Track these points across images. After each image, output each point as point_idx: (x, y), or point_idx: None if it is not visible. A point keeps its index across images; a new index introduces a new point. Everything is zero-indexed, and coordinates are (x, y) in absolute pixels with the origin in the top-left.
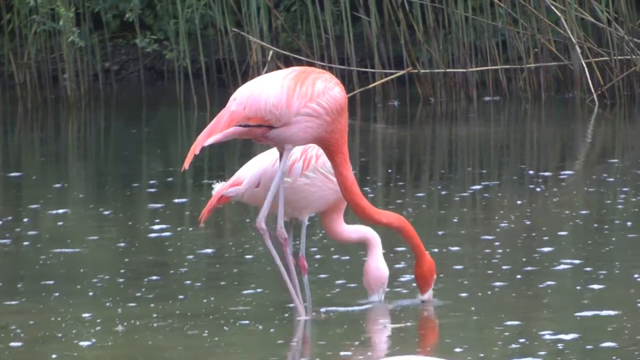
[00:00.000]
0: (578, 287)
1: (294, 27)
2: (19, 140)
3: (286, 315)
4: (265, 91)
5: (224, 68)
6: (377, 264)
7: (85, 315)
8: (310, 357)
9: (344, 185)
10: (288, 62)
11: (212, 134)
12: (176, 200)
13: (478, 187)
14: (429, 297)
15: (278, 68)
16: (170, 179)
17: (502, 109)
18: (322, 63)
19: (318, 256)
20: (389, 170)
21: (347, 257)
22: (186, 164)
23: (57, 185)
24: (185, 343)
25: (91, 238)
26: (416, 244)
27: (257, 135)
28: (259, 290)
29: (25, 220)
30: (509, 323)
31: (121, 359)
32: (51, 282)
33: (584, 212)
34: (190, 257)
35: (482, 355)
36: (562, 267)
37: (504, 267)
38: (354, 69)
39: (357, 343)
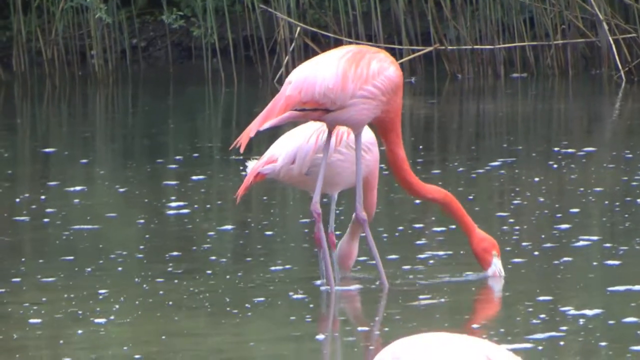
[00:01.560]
0: (597, 264)
1: (321, 4)
2: (47, 116)
3: (312, 291)
4: (320, 75)
5: (251, 45)
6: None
7: (108, 291)
8: (332, 333)
9: (394, 162)
10: (315, 39)
11: (268, 119)
12: (194, 178)
13: (496, 163)
14: (494, 273)
15: (305, 45)
16: (195, 155)
17: (529, 86)
18: (349, 39)
19: (337, 233)
20: (411, 146)
21: (362, 234)
22: (242, 148)
23: (83, 161)
24: (210, 319)
25: (110, 215)
26: (463, 221)
27: (314, 118)
28: (287, 266)
29: (43, 197)
30: (529, 299)
31: (146, 336)
32: (71, 258)
33: (599, 189)
34: (211, 234)
35: (502, 330)
36: (580, 243)
37: (522, 244)
38: (382, 46)
39: (377, 319)
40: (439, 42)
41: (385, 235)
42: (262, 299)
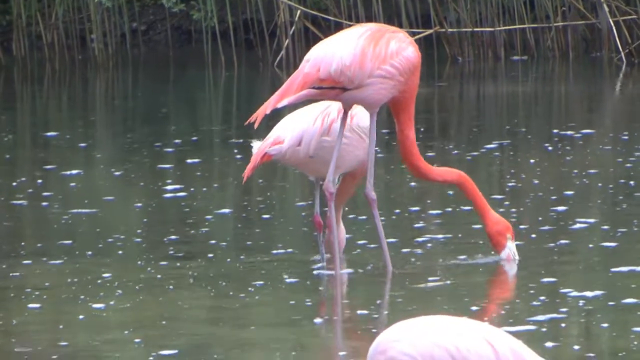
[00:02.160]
0: (594, 246)
1: None
2: (47, 100)
3: (312, 275)
4: (338, 52)
5: (252, 28)
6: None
7: (109, 275)
8: (332, 317)
9: (403, 144)
10: (316, 22)
11: (285, 96)
12: (191, 161)
13: (492, 146)
14: (507, 256)
15: (306, 28)
16: (194, 139)
17: (530, 68)
18: (349, 22)
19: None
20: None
21: (363, 217)
22: (256, 123)
23: (82, 145)
24: (211, 304)
25: (107, 199)
26: (477, 202)
27: (331, 97)
28: (288, 250)
29: (40, 181)
30: (529, 282)
31: (146, 320)
32: (70, 242)
33: (594, 171)
34: (209, 217)
35: (503, 312)
36: (578, 226)
37: (520, 226)
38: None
39: (378, 302)
40: (439, 25)
41: (383, 218)
42: (263, 282)
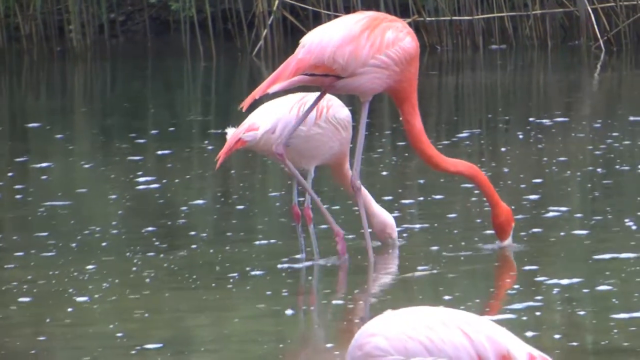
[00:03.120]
0: (566, 234)
1: None
2: (25, 92)
3: (293, 265)
4: (333, 40)
5: (230, 18)
6: (377, 211)
7: (89, 268)
8: (312, 308)
9: (411, 133)
10: (294, 12)
11: (277, 81)
12: (164, 152)
13: (464, 135)
14: (509, 244)
15: (284, 18)
16: (171, 129)
17: (508, 57)
18: (327, 12)
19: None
20: (384, 118)
21: (337, 207)
22: (245, 106)
23: (59, 136)
24: (193, 296)
25: (80, 191)
26: (489, 193)
27: (324, 84)
28: (269, 240)
29: (11, 174)
30: (503, 270)
31: (128, 313)
32: (46, 234)
33: (563, 158)
34: (184, 208)
35: (477, 301)
36: (551, 214)
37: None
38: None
39: (357, 293)
40: (418, 14)
41: (355, 208)
42: (244, 273)
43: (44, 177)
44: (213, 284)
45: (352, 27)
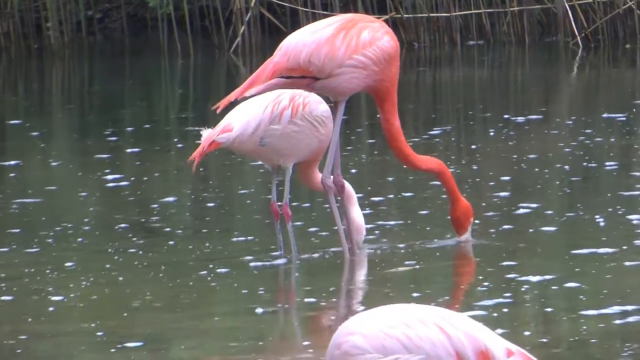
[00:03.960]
0: (536, 231)
1: None
2: (3, 89)
3: (272, 262)
4: (308, 42)
5: (207, 15)
6: (355, 216)
7: (66, 266)
8: (290, 305)
9: (389, 132)
10: (271, 9)
11: (254, 84)
12: (137, 150)
13: (435, 132)
14: (467, 239)
15: (261, 15)
16: (147, 127)
17: (486, 53)
18: (304, 9)
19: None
20: (358, 114)
21: (308, 204)
22: (220, 109)
23: (35, 134)
24: (173, 292)
25: (49, 188)
26: (452, 189)
27: (302, 86)
28: (246, 237)
29: None
30: (473, 267)
31: (106, 311)
32: (18, 230)
33: (533, 155)
34: (155, 205)
35: (447, 297)
36: (522, 211)
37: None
38: (337, 14)
39: (334, 290)
40: (395, 10)
41: (326, 205)
42: (222, 270)
43: (12, 174)
44: (191, 282)
45: (327, 29)
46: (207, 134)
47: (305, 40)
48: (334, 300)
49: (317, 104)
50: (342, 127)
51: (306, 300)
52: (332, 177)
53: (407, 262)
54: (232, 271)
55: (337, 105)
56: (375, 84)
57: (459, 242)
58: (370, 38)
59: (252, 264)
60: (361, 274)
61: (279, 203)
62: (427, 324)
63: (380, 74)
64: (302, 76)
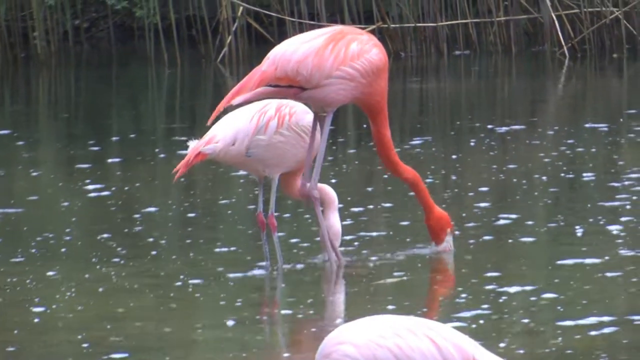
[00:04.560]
0: (514, 241)
1: None
2: None
3: (255, 273)
4: (296, 52)
5: (194, 25)
6: (334, 222)
7: (50, 276)
8: (275, 316)
9: (381, 142)
10: (258, 19)
11: (241, 92)
12: (112, 160)
13: (416, 142)
14: (444, 248)
15: (248, 24)
16: (132, 136)
17: (473, 63)
18: (291, 19)
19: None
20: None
21: (288, 215)
22: (209, 121)
23: (21, 143)
24: (157, 303)
25: (31, 198)
26: (425, 199)
27: (289, 96)
28: (229, 248)
29: None
30: (452, 278)
31: (91, 322)
32: (1, 240)
33: (513, 166)
34: (137, 215)
35: (425, 310)
36: (502, 222)
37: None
38: (324, 24)
39: (320, 300)
40: (382, 20)
41: (307, 216)
42: (207, 281)
43: None
44: (175, 292)
45: (316, 40)
46: (193, 145)
47: (293, 50)
48: (319, 311)
49: (303, 114)
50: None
51: (291, 310)
52: (308, 185)
53: (387, 274)
54: (216, 282)
55: (325, 117)
56: (363, 96)
57: (437, 251)
58: (359, 50)
59: (236, 274)
60: (343, 285)
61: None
62: (418, 334)
63: (368, 86)
64: (289, 85)
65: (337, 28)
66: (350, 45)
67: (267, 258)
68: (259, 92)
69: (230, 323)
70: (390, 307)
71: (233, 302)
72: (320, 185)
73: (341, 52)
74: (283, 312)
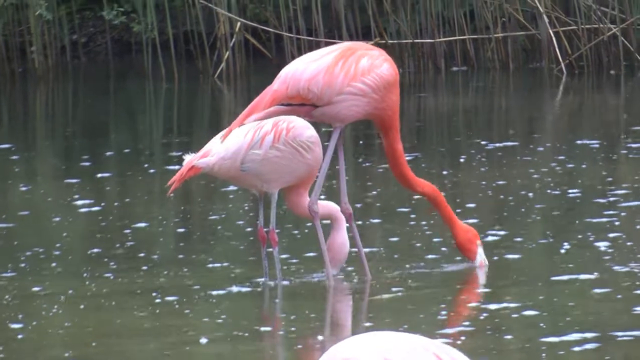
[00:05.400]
0: (499, 259)
1: None
2: None
3: (251, 288)
4: (307, 70)
5: (192, 40)
6: (343, 240)
7: (42, 291)
8: (276, 332)
9: (393, 157)
10: (256, 34)
11: (253, 112)
12: (104, 175)
13: (408, 157)
14: (480, 264)
15: (246, 40)
16: (127, 150)
17: (470, 79)
18: (289, 35)
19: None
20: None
21: (296, 231)
22: (223, 139)
23: (15, 157)
24: (152, 320)
25: (22, 213)
26: (446, 214)
27: (301, 113)
28: (224, 264)
29: None
30: (435, 296)
31: (85, 337)
32: None
33: (502, 182)
34: (127, 231)
35: (406, 326)
36: (488, 239)
37: (434, 239)
38: (322, 40)
39: (318, 316)
40: (380, 36)
41: (306, 231)
42: (201, 296)
43: None
44: (167, 308)
45: (326, 57)
46: (189, 159)
47: (304, 68)
48: (315, 326)
49: (303, 129)
50: (342, 152)
51: (288, 326)
52: (340, 205)
53: (384, 289)
54: (210, 297)
55: (333, 132)
56: (376, 111)
57: (474, 267)
58: (369, 66)
59: (230, 289)
60: (350, 300)
61: (266, 229)
62: (426, 351)
63: (380, 101)
64: (301, 104)
65: (347, 44)
66: (361, 61)
67: (266, 274)
68: (272, 111)
69: (203, 341)
70: (386, 322)
71: (227, 317)
72: (326, 203)
73: (351, 68)
74: (279, 327)
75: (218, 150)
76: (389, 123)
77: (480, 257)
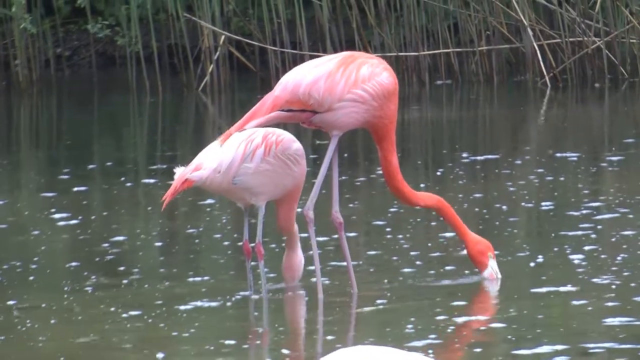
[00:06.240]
0: (477, 270)
1: (246, 12)
2: None
3: (240, 302)
4: (307, 76)
5: (176, 53)
6: (301, 257)
7: (22, 306)
8: (263, 346)
9: (387, 170)
10: (240, 47)
11: (254, 118)
12: (75, 189)
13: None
14: (490, 275)
15: (230, 53)
16: (109, 164)
17: (454, 92)
18: (273, 48)
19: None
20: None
21: (274, 245)
22: (221, 142)
23: None
24: (139, 334)
25: (0, 227)
26: (456, 225)
27: (301, 120)
28: (205, 277)
29: None
30: (410, 308)
31: (72, 351)
32: None
33: (478, 195)
34: (106, 245)
35: (377, 339)
36: (464, 252)
37: (411, 253)
38: (306, 53)
39: (306, 328)
40: (363, 49)
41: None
42: (185, 311)
43: None
44: (149, 321)
45: (327, 64)
46: (180, 173)
47: (305, 75)
48: (306, 339)
49: (290, 142)
50: (336, 161)
51: (274, 340)
52: (331, 213)
53: (367, 302)
54: (192, 311)
55: (331, 141)
56: (374, 120)
57: (484, 279)
58: (370, 73)
59: (210, 303)
60: (338, 313)
61: (252, 244)
62: None
63: (379, 109)
64: (301, 110)
65: (347, 53)
66: (361, 69)
67: (251, 287)
68: (272, 117)
69: (161, 356)
70: (370, 335)
71: (210, 332)
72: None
73: (352, 75)
74: (264, 341)
75: (210, 163)
76: (385, 133)
77: (492, 269)
